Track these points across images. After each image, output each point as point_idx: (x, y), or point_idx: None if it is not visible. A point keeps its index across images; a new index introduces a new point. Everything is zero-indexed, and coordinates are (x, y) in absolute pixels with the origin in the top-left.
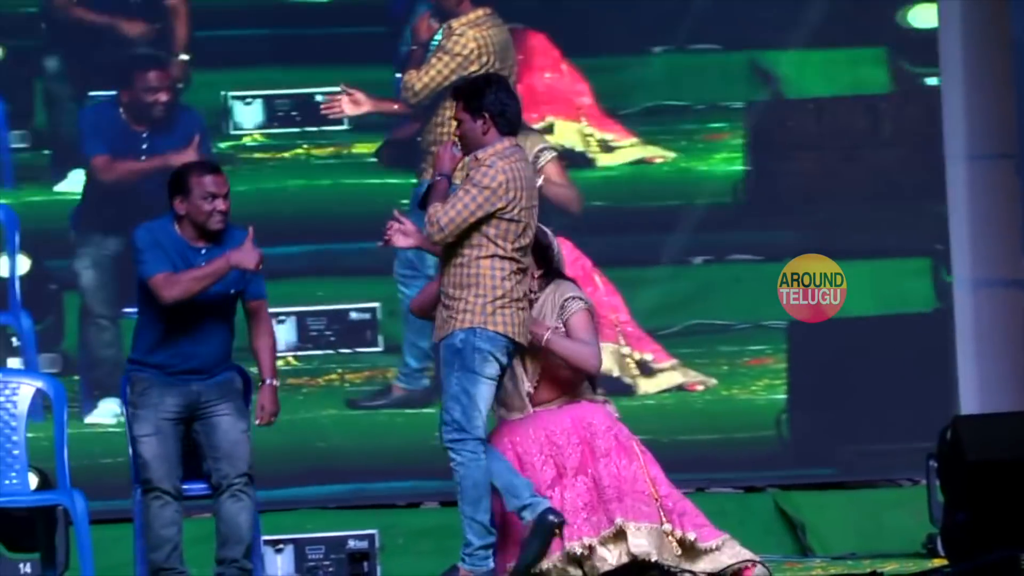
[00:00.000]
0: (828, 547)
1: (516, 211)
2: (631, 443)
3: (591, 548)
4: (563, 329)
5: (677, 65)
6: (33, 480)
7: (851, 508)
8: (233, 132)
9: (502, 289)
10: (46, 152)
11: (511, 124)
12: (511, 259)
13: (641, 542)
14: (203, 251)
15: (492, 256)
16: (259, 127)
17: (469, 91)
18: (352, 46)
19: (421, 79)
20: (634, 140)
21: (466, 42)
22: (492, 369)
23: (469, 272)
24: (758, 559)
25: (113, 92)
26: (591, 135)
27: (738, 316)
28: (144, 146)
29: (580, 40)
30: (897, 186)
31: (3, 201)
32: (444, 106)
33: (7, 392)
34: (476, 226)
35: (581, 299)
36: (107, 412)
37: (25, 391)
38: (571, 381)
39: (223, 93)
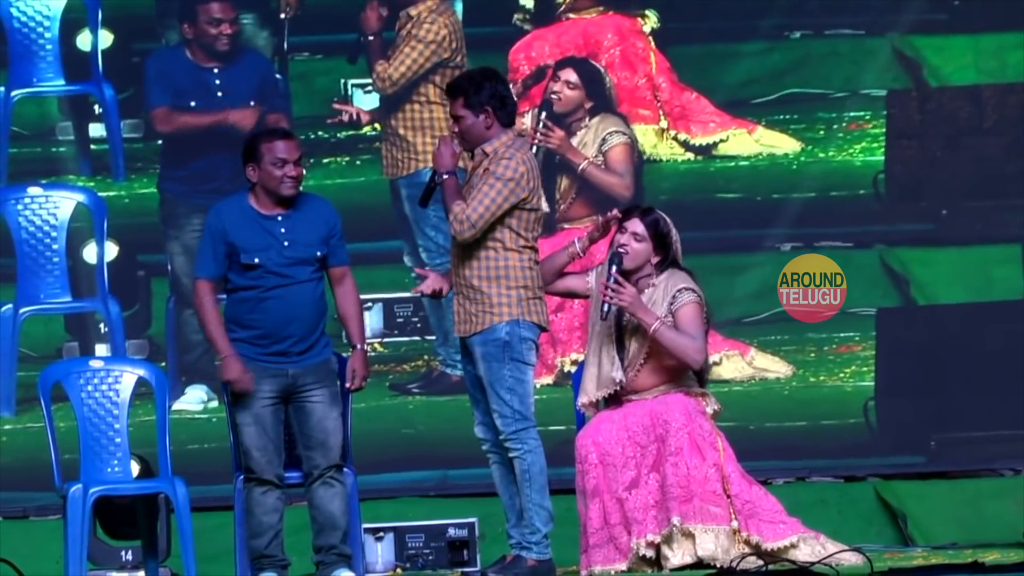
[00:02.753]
0: (929, 537)
1: (535, 200)
2: (709, 440)
3: (655, 546)
4: (671, 319)
5: (815, 51)
6: (135, 468)
7: (952, 498)
8: (353, 121)
9: (530, 280)
10: (160, 142)
11: (511, 116)
12: (532, 248)
13: (709, 545)
14: (279, 218)
15: (518, 248)
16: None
17: (468, 87)
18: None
19: (397, 68)
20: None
21: (438, 29)
22: (535, 357)
23: (498, 264)
24: (848, 549)
25: None
26: (672, 135)
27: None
28: (217, 82)
29: (715, 26)
30: (991, 175)
31: (89, 187)
32: (414, 95)
33: (109, 380)
34: (499, 218)
35: (693, 291)
36: (194, 399)
37: (127, 379)
38: (674, 371)
39: (343, 81)
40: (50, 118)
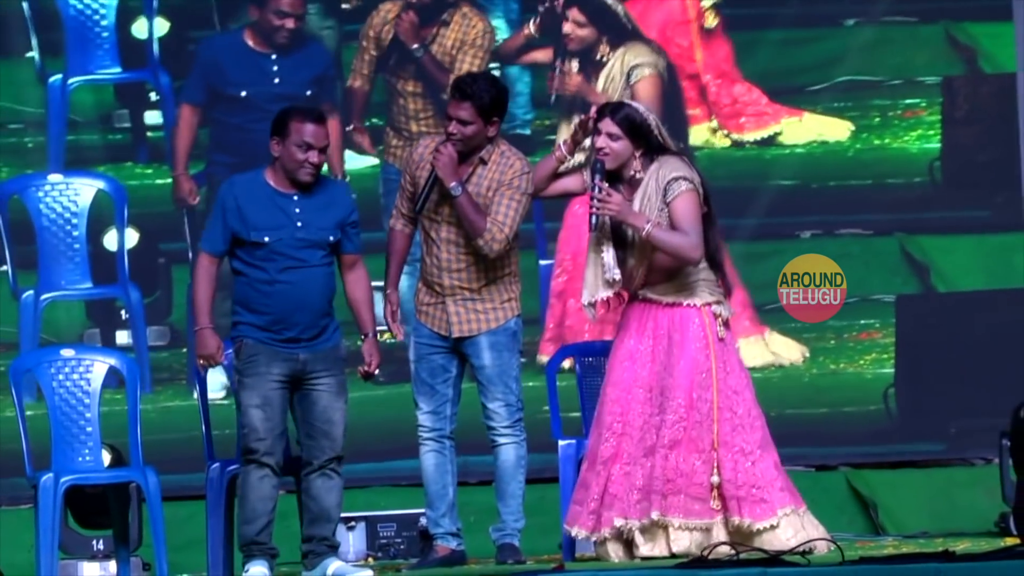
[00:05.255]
0: (900, 526)
1: None
2: (706, 425)
3: (631, 532)
4: (667, 212)
5: (869, 38)
6: (106, 457)
7: (924, 487)
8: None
9: (519, 273)
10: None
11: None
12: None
13: (683, 543)
14: (295, 197)
15: (514, 245)
16: None
17: (484, 94)
18: None
19: None
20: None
21: (491, 36)
22: None
23: (501, 265)
24: (827, 537)
25: None
26: (724, 134)
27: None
28: (275, 68)
29: (770, 14)
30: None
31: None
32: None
33: (80, 370)
34: None
35: (685, 179)
36: (216, 385)
37: (99, 368)
38: (675, 268)
39: None
40: (106, 105)
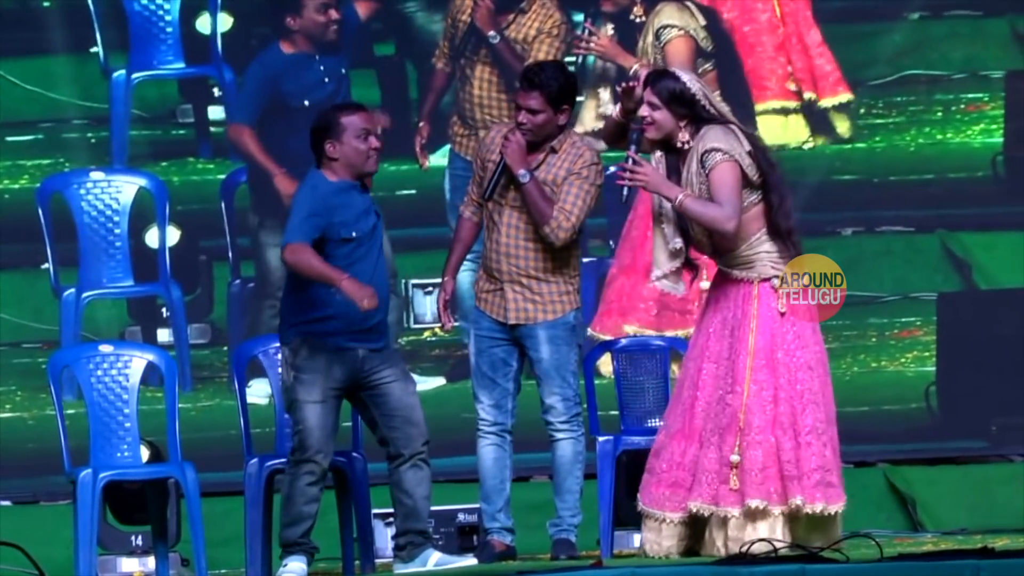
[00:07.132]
0: (939, 522)
1: None
2: (757, 407)
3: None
4: (706, 184)
5: (934, 32)
6: (144, 453)
7: (962, 484)
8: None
9: (579, 269)
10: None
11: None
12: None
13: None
14: (356, 187)
15: (576, 241)
16: None
17: (554, 83)
18: None
19: None
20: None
21: (566, 27)
22: None
23: (560, 256)
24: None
25: None
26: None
27: (887, 288)
28: (321, 68)
29: (833, 7)
30: None
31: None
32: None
33: (119, 365)
34: None
35: (720, 150)
36: (260, 392)
37: (137, 364)
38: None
39: None
40: (170, 101)
